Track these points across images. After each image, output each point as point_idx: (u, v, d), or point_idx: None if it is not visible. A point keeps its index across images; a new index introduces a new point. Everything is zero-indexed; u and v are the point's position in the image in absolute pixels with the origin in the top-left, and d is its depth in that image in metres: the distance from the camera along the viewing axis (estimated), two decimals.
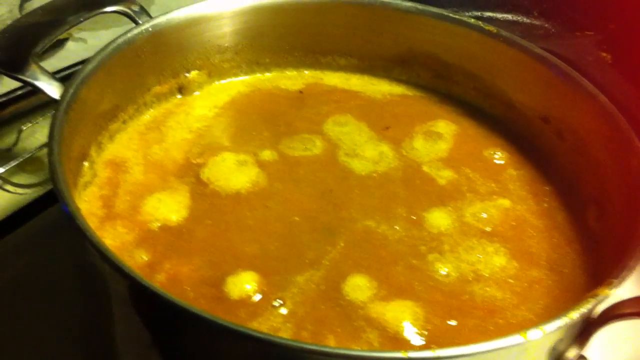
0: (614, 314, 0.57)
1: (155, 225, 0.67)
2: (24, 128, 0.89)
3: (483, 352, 0.51)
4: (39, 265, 0.77)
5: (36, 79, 0.69)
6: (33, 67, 0.70)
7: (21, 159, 0.86)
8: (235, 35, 0.84)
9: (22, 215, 0.82)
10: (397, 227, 0.70)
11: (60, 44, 0.99)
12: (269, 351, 0.51)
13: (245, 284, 0.62)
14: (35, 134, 0.90)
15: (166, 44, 0.79)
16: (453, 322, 0.62)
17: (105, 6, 0.78)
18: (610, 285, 0.56)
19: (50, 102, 0.68)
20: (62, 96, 0.66)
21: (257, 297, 0.62)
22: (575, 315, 0.54)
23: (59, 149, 0.61)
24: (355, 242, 0.68)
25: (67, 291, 0.71)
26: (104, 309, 0.61)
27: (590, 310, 0.56)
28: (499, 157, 0.79)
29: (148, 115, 0.80)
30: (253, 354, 0.53)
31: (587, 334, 0.58)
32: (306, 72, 0.89)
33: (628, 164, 0.69)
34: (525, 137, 0.82)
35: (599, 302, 0.56)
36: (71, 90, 0.67)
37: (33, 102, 0.90)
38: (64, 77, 0.70)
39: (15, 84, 0.88)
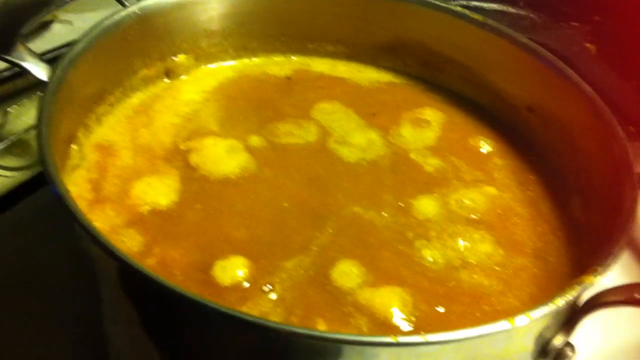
0: (600, 301, 0.58)
1: (145, 209, 0.67)
2: (10, 110, 0.88)
3: (471, 338, 0.52)
4: (26, 248, 0.77)
5: (23, 60, 0.68)
6: (20, 48, 0.69)
7: (8, 142, 0.85)
8: (223, 20, 0.84)
9: (9, 198, 0.81)
10: (385, 214, 0.70)
11: (45, 25, 0.98)
12: (260, 334, 0.52)
13: (234, 269, 0.62)
14: (21, 117, 0.89)
15: (153, 27, 0.79)
16: (440, 309, 0.63)
17: None
18: (595, 272, 0.57)
19: (36, 84, 0.67)
20: (50, 78, 0.66)
21: (246, 282, 0.62)
22: (561, 302, 0.54)
23: (48, 130, 0.61)
24: (343, 228, 0.68)
25: (56, 274, 0.72)
26: (93, 291, 0.61)
27: (576, 298, 0.57)
28: (485, 145, 0.80)
29: (135, 99, 0.79)
30: (243, 337, 0.53)
31: (573, 322, 0.59)
32: (293, 58, 0.89)
33: (611, 152, 0.69)
34: (511, 126, 0.82)
35: (585, 289, 0.56)
36: (59, 72, 0.66)
37: (18, 85, 0.90)
38: (49, 59, 0.69)
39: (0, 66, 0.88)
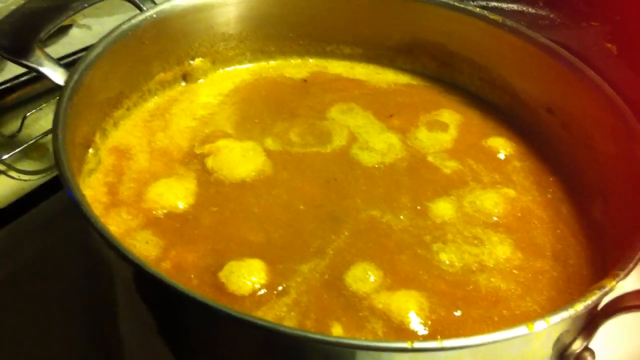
0: (620, 306, 0.57)
1: (161, 212, 0.67)
2: (28, 114, 0.88)
3: (489, 343, 0.51)
4: (43, 251, 0.77)
5: (41, 65, 0.69)
6: (38, 53, 0.70)
7: (25, 146, 0.86)
8: (240, 23, 0.84)
9: (26, 202, 0.82)
10: (402, 217, 0.70)
11: (64, 30, 0.99)
12: (274, 339, 0.51)
13: (250, 273, 0.62)
14: (39, 121, 0.90)
15: (170, 31, 0.79)
16: (458, 313, 0.62)
17: None
18: (616, 276, 0.56)
19: (54, 89, 0.68)
20: (67, 82, 0.66)
21: (261, 286, 0.61)
22: (580, 307, 0.54)
23: (64, 135, 0.61)
24: (360, 231, 0.68)
25: (72, 277, 0.72)
26: (108, 295, 0.61)
27: (596, 302, 0.56)
28: (504, 147, 0.79)
29: (152, 103, 0.80)
30: (258, 342, 0.53)
31: (592, 327, 0.58)
32: (311, 60, 0.88)
33: (633, 154, 0.69)
34: (530, 128, 0.81)
35: (605, 294, 0.55)
36: (75, 76, 0.67)
37: (37, 89, 0.90)
38: (67, 63, 0.70)
39: (19, 70, 0.88)
